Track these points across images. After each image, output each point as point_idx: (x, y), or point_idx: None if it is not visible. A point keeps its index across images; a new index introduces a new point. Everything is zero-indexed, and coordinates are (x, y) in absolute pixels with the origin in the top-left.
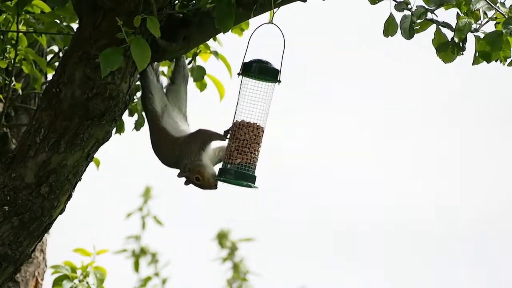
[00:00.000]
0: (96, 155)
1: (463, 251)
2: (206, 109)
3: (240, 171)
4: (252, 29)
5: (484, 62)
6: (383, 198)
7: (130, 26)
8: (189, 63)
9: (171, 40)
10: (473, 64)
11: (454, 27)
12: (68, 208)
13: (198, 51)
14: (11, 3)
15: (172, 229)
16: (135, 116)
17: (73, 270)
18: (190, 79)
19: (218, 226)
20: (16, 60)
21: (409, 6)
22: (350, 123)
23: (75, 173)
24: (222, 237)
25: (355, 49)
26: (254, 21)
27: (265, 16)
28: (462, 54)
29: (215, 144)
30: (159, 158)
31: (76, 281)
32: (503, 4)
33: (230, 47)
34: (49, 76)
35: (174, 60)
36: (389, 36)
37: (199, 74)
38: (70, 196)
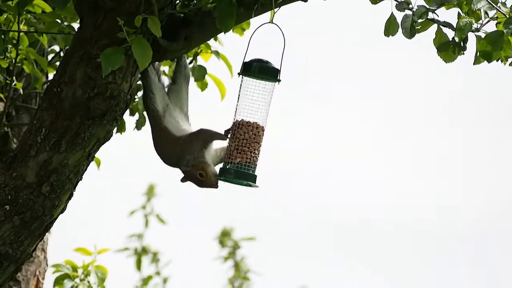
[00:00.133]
0: (97, 155)
1: (463, 251)
2: (207, 109)
3: (240, 170)
4: (253, 29)
5: (485, 62)
6: (384, 198)
7: (131, 26)
8: (190, 62)
9: (172, 39)
10: (474, 63)
11: (455, 26)
12: (69, 208)
13: (199, 50)
14: (12, 3)
15: (173, 228)
16: (136, 116)
17: (74, 269)
18: (191, 79)
19: (219, 225)
20: (17, 60)
21: (410, 6)
22: (350, 123)
23: (76, 172)
24: (225, 236)
25: (356, 49)
26: (255, 21)
27: (266, 15)
28: (463, 53)
29: (217, 144)
30: (161, 157)
31: (77, 280)
32: (504, 4)
33: (231, 47)
34: (50, 76)
35: (175, 59)
36: (390, 36)
37: (200, 73)
38: (71, 195)
